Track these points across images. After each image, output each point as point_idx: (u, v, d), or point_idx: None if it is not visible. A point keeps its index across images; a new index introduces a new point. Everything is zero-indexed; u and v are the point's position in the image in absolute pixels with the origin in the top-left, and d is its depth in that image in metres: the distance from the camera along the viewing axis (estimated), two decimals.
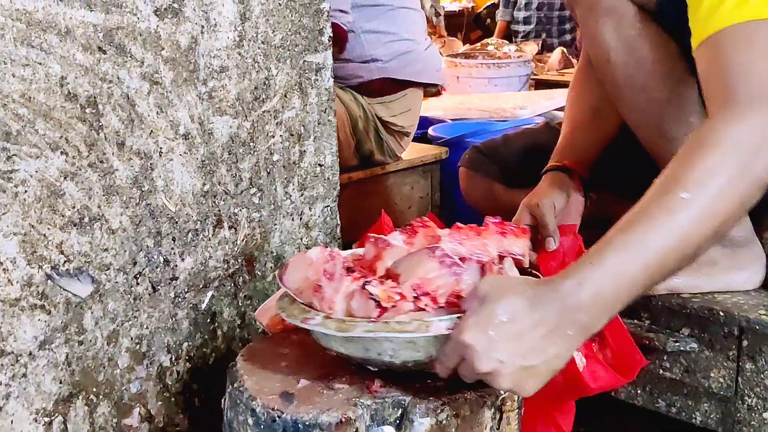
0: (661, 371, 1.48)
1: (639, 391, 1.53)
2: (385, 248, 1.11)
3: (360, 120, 2.32)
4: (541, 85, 4.39)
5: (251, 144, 1.35)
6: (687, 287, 1.45)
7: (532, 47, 5.23)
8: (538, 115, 3.18)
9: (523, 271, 1.14)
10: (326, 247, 1.12)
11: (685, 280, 1.44)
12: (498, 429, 1.03)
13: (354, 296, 1.01)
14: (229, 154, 1.32)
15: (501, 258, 1.11)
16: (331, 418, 0.96)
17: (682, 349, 1.43)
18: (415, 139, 2.82)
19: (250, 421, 1.00)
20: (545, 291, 0.95)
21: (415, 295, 1.01)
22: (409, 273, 1.03)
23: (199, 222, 1.29)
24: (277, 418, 0.97)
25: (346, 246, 2.11)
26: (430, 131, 2.89)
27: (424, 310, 1.00)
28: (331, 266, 1.04)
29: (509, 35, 5.99)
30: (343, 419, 0.97)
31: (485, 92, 3.93)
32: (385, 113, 2.38)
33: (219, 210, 1.32)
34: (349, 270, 1.03)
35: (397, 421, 1.00)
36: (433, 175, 2.51)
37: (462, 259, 1.04)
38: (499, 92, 3.90)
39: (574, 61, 4.50)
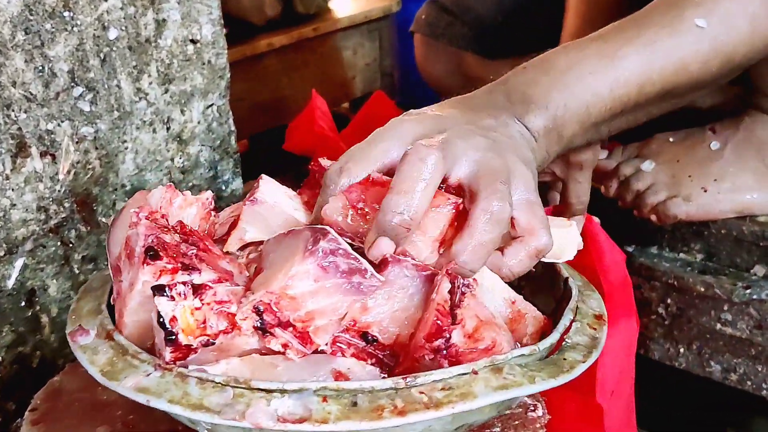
0: (718, 326, 1.03)
1: (682, 350, 1.08)
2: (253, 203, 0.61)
3: None
4: None
5: (66, 14, 0.81)
6: (764, 204, 0.98)
7: None
8: None
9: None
10: (174, 188, 0.62)
11: (762, 194, 0.97)
12: None
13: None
14: (27, 33, 0.79)
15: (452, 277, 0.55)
16: None
17: (754, 297, 0.98)
18: None
19: None
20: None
21: (260, 323, 0.51)
22: (269, 275, 0.53)
23: None
24: None
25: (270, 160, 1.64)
26: None
27: (281, 354, 0.52)
28: (134, 236, 0.54)
29: None
30: None
31: None
32: None
33: (19, 128, 0.80)
34: (161, 251, 0.52)
35: None
36: (382, 34, 1.95)
37: (382, 263, 0.54)
38: None
39: None
